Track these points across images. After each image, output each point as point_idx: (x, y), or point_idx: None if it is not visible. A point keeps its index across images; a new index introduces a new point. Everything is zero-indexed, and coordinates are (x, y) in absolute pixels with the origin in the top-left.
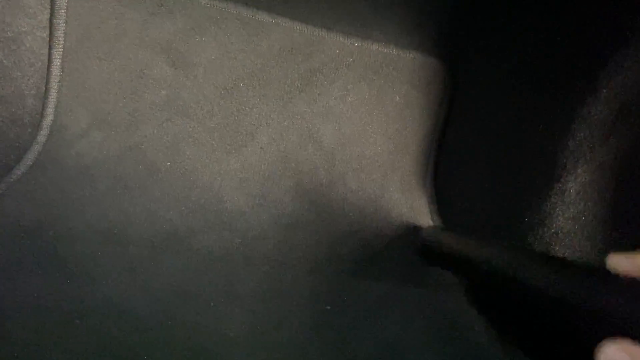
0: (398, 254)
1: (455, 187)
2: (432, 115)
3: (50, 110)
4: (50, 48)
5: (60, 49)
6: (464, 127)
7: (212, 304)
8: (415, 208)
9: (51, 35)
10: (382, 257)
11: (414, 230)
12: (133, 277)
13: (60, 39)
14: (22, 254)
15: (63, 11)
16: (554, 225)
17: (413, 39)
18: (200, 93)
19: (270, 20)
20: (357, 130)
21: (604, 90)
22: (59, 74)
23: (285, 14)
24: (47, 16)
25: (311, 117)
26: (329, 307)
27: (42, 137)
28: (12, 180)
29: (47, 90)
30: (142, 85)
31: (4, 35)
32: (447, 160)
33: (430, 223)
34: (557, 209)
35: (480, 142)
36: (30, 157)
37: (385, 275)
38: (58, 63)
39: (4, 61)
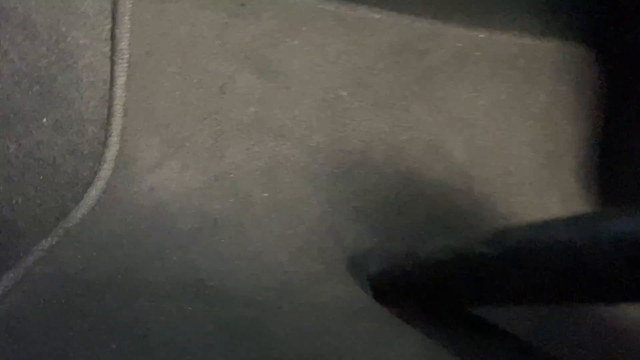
0: None
1: (629, 199)
2: (587, 114)
3: (114, 139)
4: (112, 64)
5: (125, 65)
6: (630, 124)
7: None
8: None
9: (113, 48)
10: None
11: None
12: (242, 347)
13: (125, 52)
14: (81, 319)
15: (127, 18)
16: None
17: (553, 24)
18: (295, 107)
19: (373, 15)
20: (495, 140)
21: None
22: (123, 94)
23: (391, 7)
24: (109, 26)
25: (435, 128)
26: None
27: (105, 171)
28: (70, 225)
29: (110, 115)
30: (225, 103)
31: (57, 47)
32: (615, 168)
33: None
34: None
35: None
36: (92, 196)
37: None
38: (122, 81)
39: (59, 78)
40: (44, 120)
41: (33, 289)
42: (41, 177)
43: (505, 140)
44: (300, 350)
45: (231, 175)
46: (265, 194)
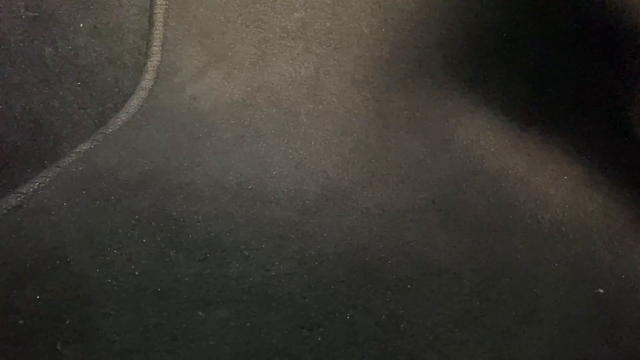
0: None
1: None
2: None
3: (156, 49)
4: None
5: None
6: None
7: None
8: None
9: None
10: None
11: None
12: (282, 246)
13: None
14: (120, 215)
15: None
16: None
17: None
18: (344, 12)
19: None
20: None
21: None
22: (164, 3)
23: None
24: None
25: None
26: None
27: (147, 81)
28: (109, 131)
29: (151, 23)
30: (269, 9)
31: None
32: None
33: None
34: None
35: None
36: (133, 105)
37: None
38: None
39: None
40: (81, 25)
41: (67, 185)
42: (79, 83)
43: None
44: (338, 250)
45: (275, 85)
46: (311, 106)
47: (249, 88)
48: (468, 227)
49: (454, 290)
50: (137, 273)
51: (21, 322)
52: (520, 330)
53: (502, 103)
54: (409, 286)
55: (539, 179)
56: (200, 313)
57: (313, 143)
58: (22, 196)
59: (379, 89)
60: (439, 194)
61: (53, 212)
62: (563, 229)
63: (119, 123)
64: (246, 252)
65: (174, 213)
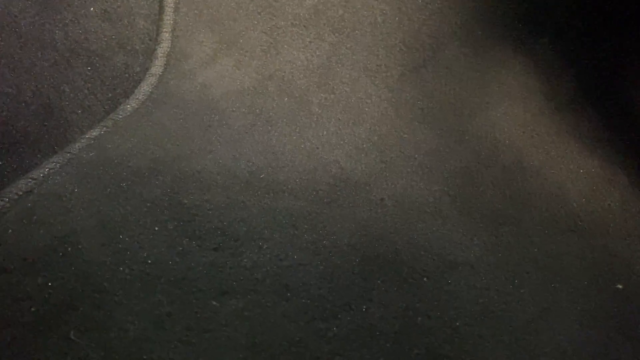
0: None
1: None
2: None
3: (166, 35)
4: None
5: None
6: None
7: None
8: None
9: None
10: None
11: None
12: (295, 237)
13: None
14: (131, 202)
15: None
16: None
17: None
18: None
19: None
20: None
21: None
22: None
23: None
24: None
25: None
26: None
27: (157, 67)
28: (119, 117)
29: (161, 8)
30: None
31: None
32: None
33: None
34: None
35: None
36: (143, 91)
37: None
38: None
39: None
40: (92, 9)
41: (78, 171)
42: (89, 68)
43: None
44: (352, 241)
45: (287, 73)
46: (322, 94)
47: (260, 76)
48: (483, 219)
49: (471, 284)
50: (149, 261)
51: (33, 309)
52: (539, 325)
53: (518, 95)
54: (425, 279)
55: (555, 172)
56: (214, 302)
57: (325, 133)
58: (33, 181)
59: (392, 78)
60: (454, 185)
61: (64, 198)
62: (580, 223)
63: (128, 109)
64: (260, 242)
65: (186, 201)
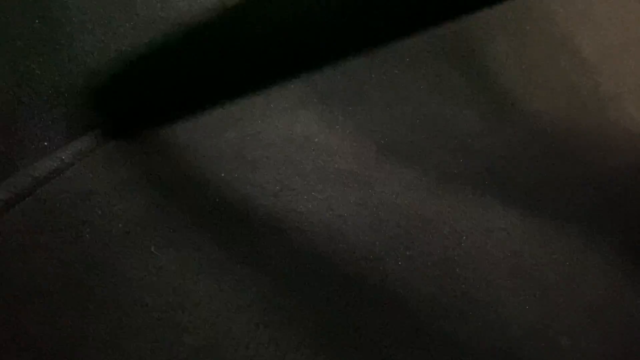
0: None
1: None
2: None
3: None
4: None
5: None
6: None
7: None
8: None
9: None
10: None
11: None
12: (346, 193)
13: None
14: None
15: None
16: None
17: None
18: None
19: None
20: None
21: None
22: None
23: None
24: None
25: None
26: None
27: None
28: None
29: None
30: None
31: None
32: None
33: None
34: None
35: None
36: None
37: None
38: None
39: None
40: None
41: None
42: None
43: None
44: (397, 200)
45: None
46: (373, 74)
47: None
48: (521, 193)
49: (506, 246)
50: (217, 200)
51: (120, 225)
52: (568, 286)
53: (562, 90)
54: (464, 237)
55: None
56: (274, 236)
57: (374, 108)
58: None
59: (442, 66)
60: (495, 161)
61: None
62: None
63: None
64: (313, 193)
65: (249, 157)
